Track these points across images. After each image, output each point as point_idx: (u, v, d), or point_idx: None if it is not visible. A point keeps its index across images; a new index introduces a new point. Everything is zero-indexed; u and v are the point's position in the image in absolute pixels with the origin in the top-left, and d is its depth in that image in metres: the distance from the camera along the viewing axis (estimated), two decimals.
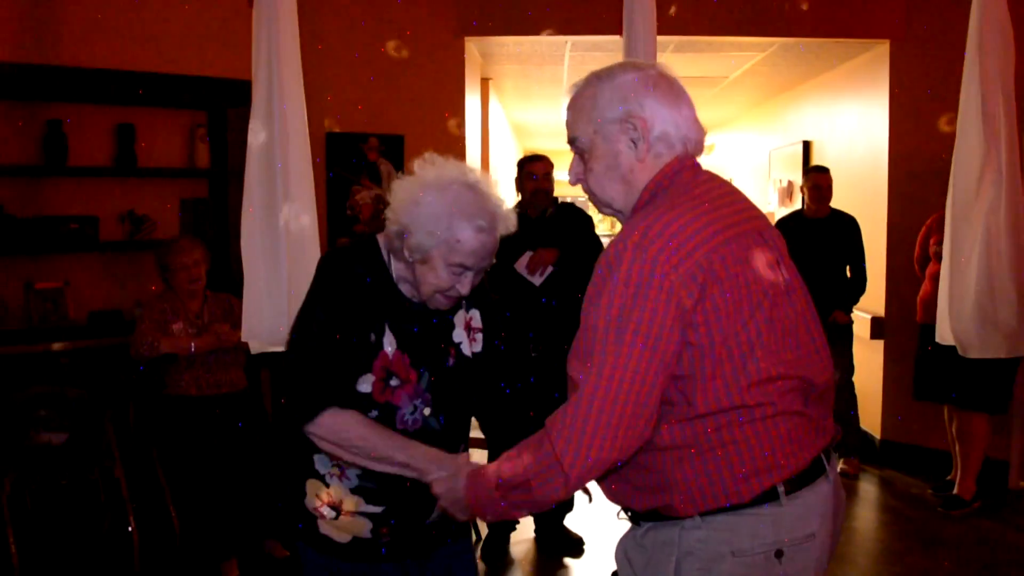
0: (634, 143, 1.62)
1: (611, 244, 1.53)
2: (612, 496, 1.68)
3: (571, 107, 1.70)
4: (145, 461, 4.03)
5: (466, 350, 2.01)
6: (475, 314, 2.04)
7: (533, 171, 4.23)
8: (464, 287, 1.86)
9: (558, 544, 4.25)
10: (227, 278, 4.53)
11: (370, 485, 1.90)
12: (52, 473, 3.87)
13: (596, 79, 1.67)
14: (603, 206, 1.71)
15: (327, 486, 1.92)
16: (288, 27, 3.20)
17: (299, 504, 1.97)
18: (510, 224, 1.88)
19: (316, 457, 1.92)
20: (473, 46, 5.84)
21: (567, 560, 4.19)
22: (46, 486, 3.92)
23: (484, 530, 4.30)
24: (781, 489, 1.52)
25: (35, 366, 4.20)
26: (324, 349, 1.82)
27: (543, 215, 4.21)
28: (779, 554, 1.52)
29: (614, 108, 1.62)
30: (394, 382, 1.87)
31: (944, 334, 3.77)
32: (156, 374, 3.95)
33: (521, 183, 4.29)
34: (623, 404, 1.44)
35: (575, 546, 4.23)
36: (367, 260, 1.92)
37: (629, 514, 1.69)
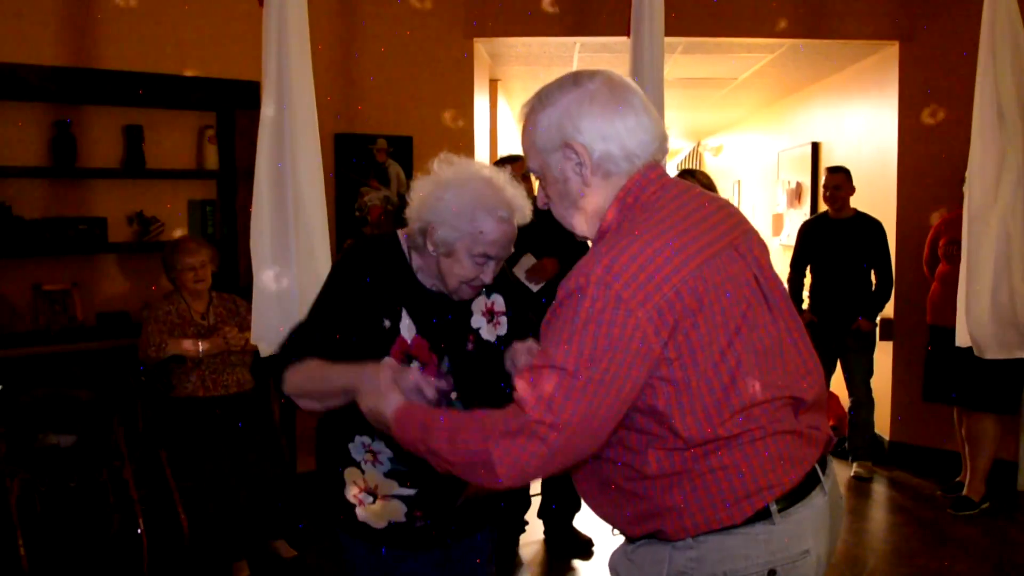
0: (579, 169, 1.56)
1: (573, 273, 1.45)
2: (604, 518, 1.65)
3: (522, 132, 1.65)
4: (154, 462, 4.03)
5: (487, 335, 2.09)
6: (497, 299, 2.13)
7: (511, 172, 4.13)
8: (487, 275, 1.96)
9: (567, 545, 4.24)
10: (235, 279, 4.54)
11: (402, 468, 1.99)
12: (61, 475, 3.86)
13: (538, 103, 1.60)
14: (570, 230, 1.66)
15: (363, 472, 2.02)
16: (298, 28, 3.19)
17: (339, 495, 2.05)
18: (527, 213, 1.97)
19: (350, 446, 2.02)
20: (482, 47, 5.83)
21: (576, 562, 4.18)
22: (55, 488, 3.91)
23: None
24: (774, 508, 1.48)
25: (43, 368, 4.20)
26: (314, 325, 1.96)
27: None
28: (772, 573, 1.49)
29: (552, 137, 1.57)
30: (415, 365, 1.93)
31: (963, 337, 3.76)
32: (164, 376, 3.95)
33: None
34: (568, 437, 1.40)
35: (584, 548, 4.22)
36: (386, 251, 2.03)
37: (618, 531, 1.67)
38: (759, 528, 1.48)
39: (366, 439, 2.00)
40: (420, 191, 1.95)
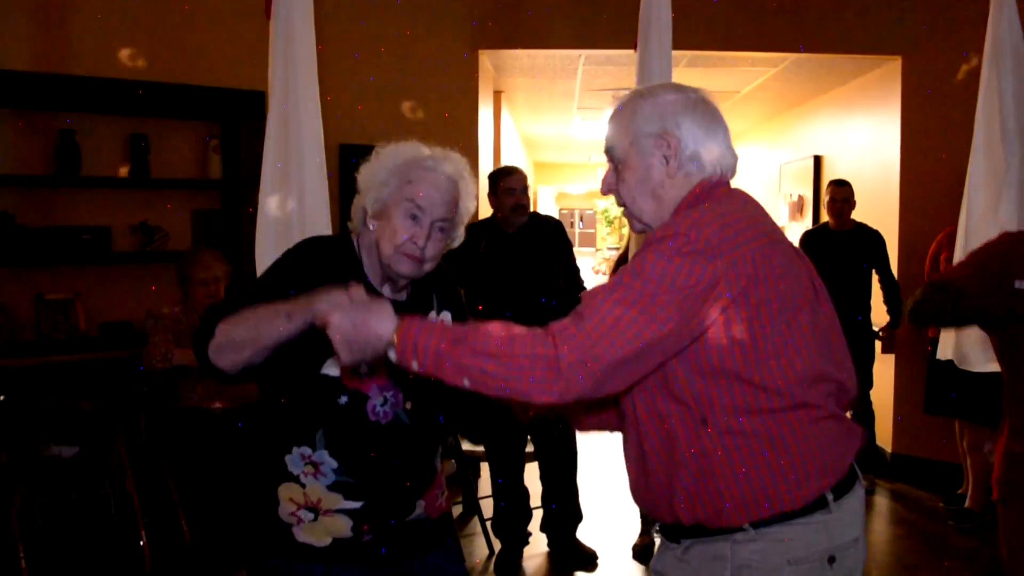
0: (666, 159, 1.67)
1: (659, 229, 1.57)
2: (654, 510, 1.69)
3: (612, 119, 1.76)
4: (157, 474, 4.01)
5: None
6: (446, 315, 2.05)
7: (512, 185, 4.07)
8: (421, 239, 1.85)
9: (571, 558, 4.23)
10: (239, 290, 4.52)
11: (348, 480, 1.86)
12: (63, 486, 3.84)
13: (639, 95, 1.74)
14: (633, 219, 1.75)
15: (303, 487, 1.87)
16: (305, 39, 3.19)
17: (272, 517, 1.90)
18: (460, 166, 1.93)
19: (287, 458, 1.88)
20: (486, 59, 5.84)
21: (580, 574, 4.16)
22: (56, 500, 3.89)
23: (497, 544, 4.28)
24: (830, 497, 1.57)
25: (45, 378, 4.19)
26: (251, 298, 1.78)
27: (520, 229, 4.10)
28: (831, 560, 1.57)
29: (651, 123, 1.68)
30: (363, 369, 1.82)
31: (945, 350, 3.75)
32: (168, 386, 3.94)
33: (498, 198, 4.11)
34: (636, 350, 1.45)
35: (588, 560, 4.20)
36: (337, 250, 1.94)
37: (662, 530, 1.70)
38: (817, 517, 1.56)
39: (306, 450, 1.85)
40: (359, 176, 1.94)
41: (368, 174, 1.92)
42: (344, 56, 5.01)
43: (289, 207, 3.19)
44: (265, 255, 3.21)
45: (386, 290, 1.94)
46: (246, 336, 1.72)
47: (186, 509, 3.93)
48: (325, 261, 1.88)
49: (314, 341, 1.65)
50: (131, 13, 4.49)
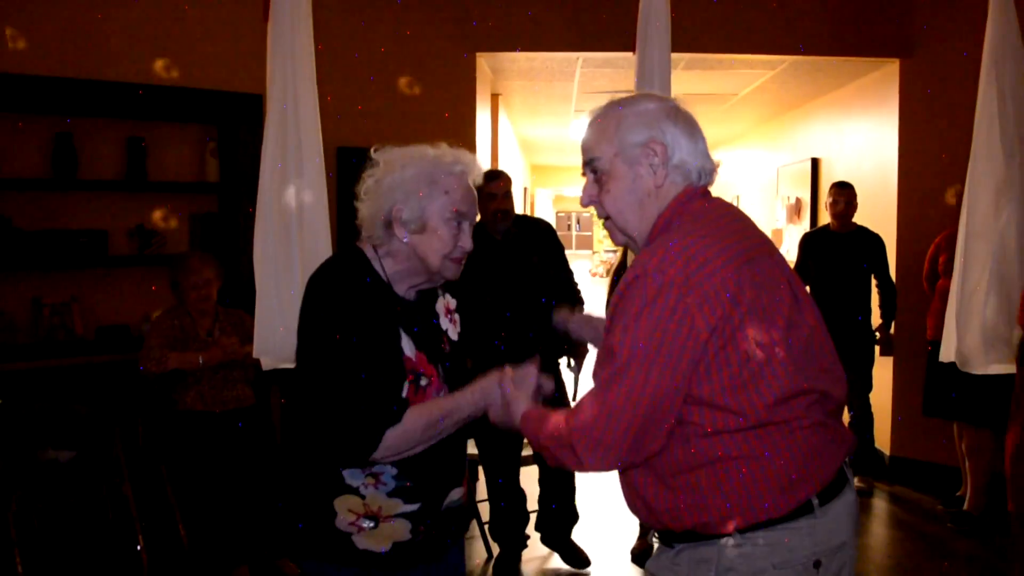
0: (653, 168, 1.68)
1: (631, 268, 1.59)
2: (647, 518, 1.71)
3: (592, 128, 1.75)
4: (154, 478, 4.00)
5: (452, 335, 2.06)
6: (449, 298, 2.10)
7: (493, 190, 3.98)
8: (466, 240, 1.92)
9: (565, 558, 4.23)
10: (237, 294, 4.51)
11: (407, 484, 1.90)
12: (60, 491, 3.84)
13: (619, 105, 1.73)
14: (616, 231, 1.76)
15: (363, 498, 1.89)
16: (304, 42, 3.18)
17: (329, 527, 1.91)
18: (469, 159, 1.97)
19: (346, 472, 1.88)
20: (484, 61, 5.84)
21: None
22: (53, 504, 3.88)
23: (495, 548, 4.27)
24: (815, 502, 1.58)
25: (42, 382, 4.18)
26: (360, 369, 1.78)
27: (507, 234, 4.05)
28: (817, 564, 1.59)
29: (638, 132, 1.68)
30: (423, 382, 1.89)
31: (947, 352, 3.75)
32: (164, 390, 3.93)
33: (481, 204, 4.10)
34: (641, 418, 1.53)
35: (581, 564, 4.19)
36: (361, 268, 1.91)
37: (658, 535, 1.72)
38: (802, 522, 1.58)
39: None
40: (368, 187, 1.90)
41: (387, 188, 1.87)
42: (340, 58, 5.01)
43: (288, 209, 3.18)
44: (264, 258, 3.21)
45: (409, 293, 1.97)
46: (424, 444, 1.86)
47: (183, 513, 3.92)
48: (362, 283, 1.88)
49: (392, 373, 1.85)
50: (128, 17, 4.47)
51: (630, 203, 1.70)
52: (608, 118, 1.72)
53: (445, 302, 2.07)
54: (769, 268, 1.63)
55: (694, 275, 1.50)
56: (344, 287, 1.86)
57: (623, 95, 1.78)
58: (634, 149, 1.68)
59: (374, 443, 1.78)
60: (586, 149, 1.75)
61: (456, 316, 2.09)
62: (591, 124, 1.75)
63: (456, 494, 2.02)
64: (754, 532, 1.56)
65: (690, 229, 1.61)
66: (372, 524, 1.90)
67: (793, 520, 1.56)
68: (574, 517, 4.27)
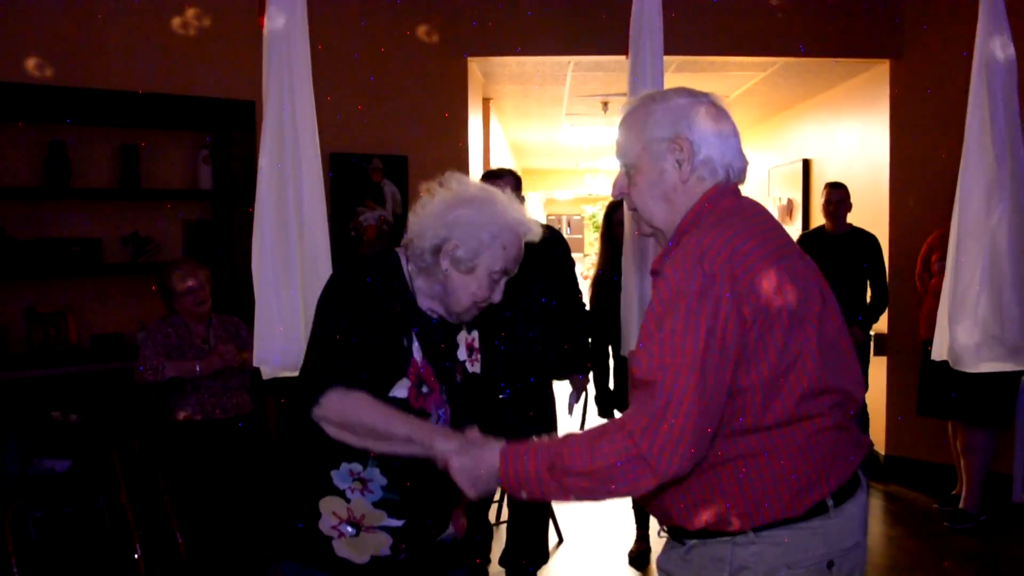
0: (679, 164, 1.68)
1: (672, 262, 1.57)
2: (660, 515, 1.72)
3: (623, 124, 1.76)
4: (151, 487, 3.99)
5: (471, 368, 2.04)
6: (475, 335, 2.07)
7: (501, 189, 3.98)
8: (498, 295, 1.93)
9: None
10: (232, 301, 4.50)
11: (394, 497, 1.88)
12: (56, 500, 3.82)
13: (651, 99, 1.74)
14: (643, 223, 1.76)
15: (348, 501, 1.89)
16: (300, 49, 3.17)
17: (312, 528, 1.91)
18: (536, 231, 1.95)
19: (334, 473, 1.88)
20: (475, 66, 5.84)
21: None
22: (50, 514, 3.87)
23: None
24: (830, 503, 1.59)
25: (37, 391, 4.16)
26: (341, 347, 1.81)
27: None
28: (830, 564, 1.60)
29: (664, 128, 1.68)
30: (425, 389, 1.90)
31: (939, 351, 3.77)
32: (161, 399, 3.91)
33: None
34: (705, 405, 1.48)
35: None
36: (390, 269, 1.95)
37: (669, 531, 1.73)
38: (816, 522, 1.58)
39: (356, 466, 1.87)
40: (434, 207, 1.89)
41: (450, 220, 1.86)
42: (333, 64, 5.00)
43: (287, 216, 3.17)
44: (263, 267, 3.19)
45: (433, 309, 1.96)
46: (355, 432, 1.80)
47: (180, 521, 3.91)
48: (384, 283, 1.90)
49: (387, 366, 1.83)
50: (121, 24, 4.46)
51: (655, 197, 1.71)
52: (638, 113, 1.73)
53: (469, 338, 2.05)
54: (802, 268, 1.64)
55: (738, 266, 1.51)
56: (356, 275, 1.91)
57: (661, 91, 1.79)
58: (660, 144, 1.68)
59: (320, 390, 1.80)
60: (617, 143, 1.77)
61: (477, 356, 2.07)
62: (623, 118, 1.77)
63: (451, 526, 2.01)
64: (769, 531, 1.57)
65: (727, 222, 1.61)
66: (353, 532, 1.90)
67: (808, 520, 1.58)
68: (543, 556, 4.05)
